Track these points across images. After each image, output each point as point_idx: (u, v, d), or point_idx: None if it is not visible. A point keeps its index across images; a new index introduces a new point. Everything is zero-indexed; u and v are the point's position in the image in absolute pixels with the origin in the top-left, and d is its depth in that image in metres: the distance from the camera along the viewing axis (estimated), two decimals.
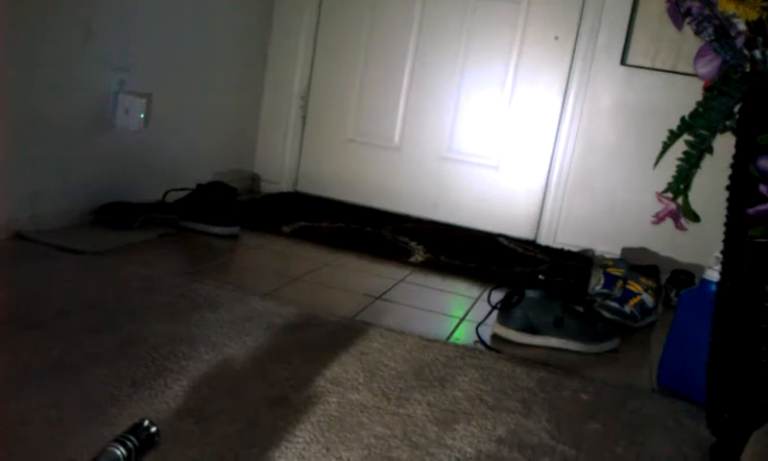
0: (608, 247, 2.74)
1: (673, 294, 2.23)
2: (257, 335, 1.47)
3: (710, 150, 1.17)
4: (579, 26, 2.77)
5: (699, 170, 1.19)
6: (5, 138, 1.81)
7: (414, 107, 3.03)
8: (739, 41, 1.14)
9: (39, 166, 1.94)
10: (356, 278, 2.11)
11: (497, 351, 1.62)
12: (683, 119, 1.21)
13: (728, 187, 1.21)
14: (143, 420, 0.82)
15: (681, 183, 1.20)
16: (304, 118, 3.17)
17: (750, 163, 1.12)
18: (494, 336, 1.73)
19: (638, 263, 2.27)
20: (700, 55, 1.16)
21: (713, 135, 1.16)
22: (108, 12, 2.08)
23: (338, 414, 1.19)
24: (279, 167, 3.18)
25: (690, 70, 1.21)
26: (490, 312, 1.76)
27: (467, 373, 1.46)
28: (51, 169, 1.98)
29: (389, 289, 2.00)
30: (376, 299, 1.89)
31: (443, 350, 1.56)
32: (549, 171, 2.87)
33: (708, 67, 1.16)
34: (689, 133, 1.19)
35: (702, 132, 1.16)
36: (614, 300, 1.98)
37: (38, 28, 1.84)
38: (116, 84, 2.15)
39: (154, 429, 0.82)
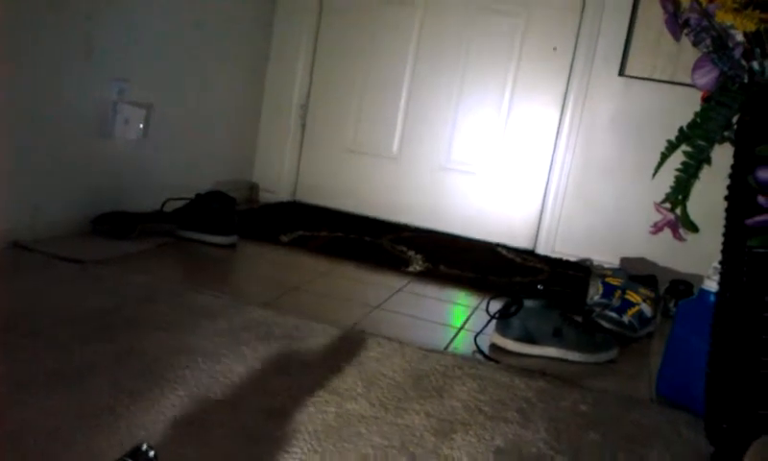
0: (606, 257, 2.74)
1: (672, 304, 2.23)
2: (255, 345, 1.47)
3: (709, 161, 1.17)
4: (577, 37, 2.78)
5: (697, 180, 1.19)
6: (3, 148, 1.81)
7: (413, 117, 3.04)
8: (737, 52, 1.14)
9: (38, 176, 1.94)
10: (354, 287, 2.10)
11: (496, 361, 1.62)
12: (681, 130, 1.21)
13: (726, 198, 1.21)
14: (142, 443, 0.81)
15: (679, 194, 1.20)
16: (303, 128, 3.18)
17: (748, 174, 1.12)
18: (493, 346, 1.73)
19: (637, 273, 2.27)
20: (698, 66, 1.17)
21: (711, 146, 1.16)
22: (108, 22, 2.08)
23: (336, 424, 1.19)
24: (278, 176, 3.18)
25: (688, 81, 1.21)
26: (488, 322, 1.76)
27: (465, 382, 1.46)
28: (50, 178, 1.98)
29: (387, 299, 2.00)
30: (375, 308, 1.89)
31: (441, 359, 1.56)
32: (548, 180, 2.88)
33: (706, 78, 1.16)
34: (688, 144, 1.19)
35: (700, 142, 1.16)
36: (613, 310, 1.97)
37: (38, 38, 1.84)
38: (116, 94, 2.15)
39: (152, 454, 0.81)
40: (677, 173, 1.20)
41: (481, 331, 1.76)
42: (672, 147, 1.22)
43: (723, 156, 1.22)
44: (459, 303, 2.10)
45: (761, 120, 1.13)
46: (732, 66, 1.15)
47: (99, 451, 1.00)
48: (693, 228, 1.22)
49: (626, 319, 1.94)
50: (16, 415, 1.06)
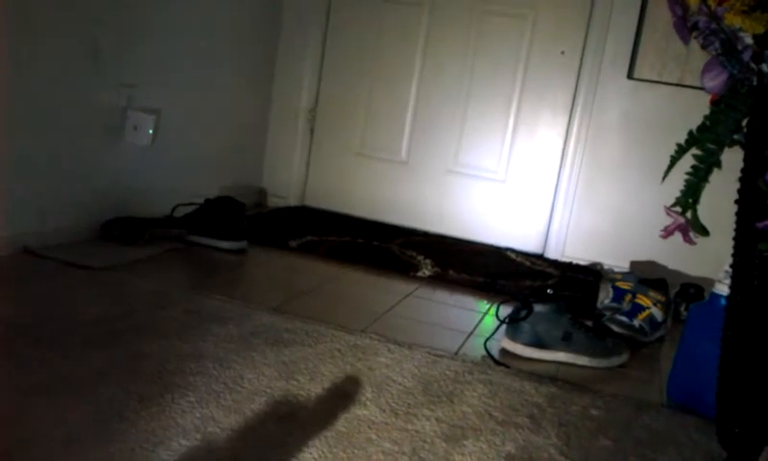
0: (616, 260, 2.73)
1: (682, 308, 2.21)
2: (265, 350, 1.47)
3: (718, 164, 1.17)
4: (585, 40, 2.78)
5: (707, 184, 1.19)
6: (13, 154, 1.82)
7: (421, 121, 3.04)
8: (746, 55, 1.14)
9: (47, 182, 1.95)
10: (364, 292, 2.10)
11: (506, 366, 1.62)
12: (690, 133, 1.21)
13: (736, 201, 1.21)
14: None
15: (689, 197, 1.19)
16: (312, 132, 3.18)
17: (758, 177, 1.12)
18: (503, 351, 1.73)
19: (647, 277, 2.26)
20: (707, 69, 1.16)
21: (721, 149, 1.16)
22: (117, 29, 2.09)
23: (346, 430, 1.19)
24: (287, 181, 3.18)
25: (697, 83, 1.21)
26: (498, 326, 1.76)
27: (475, 388, 1.45)
28: (59, 184, 1.99)
29: (396, 303, 2.00)
30: (384, 313, 1.89)
31: (451, 365, 1.56)
32: (557, 184, 2.87)
33: (716, 81, 1.16)
34: (697, 148, 1.18)
35: (709, 146, 1.16)
36: (623, 314, 1.97)
37: (48, 45, 1.86)
38: (125, 101, 2.16)
39: None
40: (687, 177, 1.19)
41: (491, 336, 1.75)
42: (682, 151, 1.22)
43: (733, 159, 1.22)
44: (468, 308, 2.09)
45: None
46: (741, 69, 1.14)
47: (110, 458, 1.00)
48: (704, 231, 1.22)
49: (637, 323, 1.94)
50: (27, 421, 1.07)
